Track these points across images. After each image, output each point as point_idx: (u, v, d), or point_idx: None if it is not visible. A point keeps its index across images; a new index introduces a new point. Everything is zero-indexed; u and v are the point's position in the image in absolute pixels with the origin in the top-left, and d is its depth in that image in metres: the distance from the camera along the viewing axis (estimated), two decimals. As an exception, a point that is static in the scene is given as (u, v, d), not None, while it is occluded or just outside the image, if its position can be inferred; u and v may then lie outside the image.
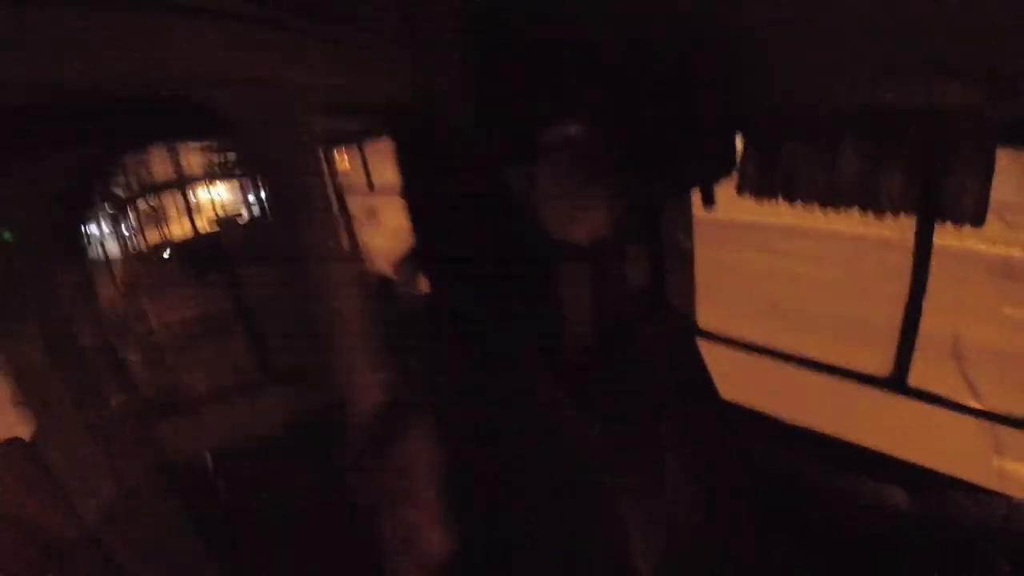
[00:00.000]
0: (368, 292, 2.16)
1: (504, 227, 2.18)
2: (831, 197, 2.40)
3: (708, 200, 2.62)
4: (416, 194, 2.28)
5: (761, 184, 2.53)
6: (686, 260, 3.02)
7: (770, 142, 2.46)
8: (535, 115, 2.27)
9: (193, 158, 7.01)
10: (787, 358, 2.90)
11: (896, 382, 2.65)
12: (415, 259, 2.35)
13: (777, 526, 2.54)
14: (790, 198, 2.48)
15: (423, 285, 2.42)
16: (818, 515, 2.59)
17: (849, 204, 2.39)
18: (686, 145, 2.33)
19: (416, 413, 1.92)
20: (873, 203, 2.35)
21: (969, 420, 2.64)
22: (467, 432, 1.96)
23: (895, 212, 2.34)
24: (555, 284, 2.40)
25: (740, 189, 2.58)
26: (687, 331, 2.83)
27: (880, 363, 2.60)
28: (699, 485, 2.54)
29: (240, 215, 7.54)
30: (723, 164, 2.46)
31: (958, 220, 2.26)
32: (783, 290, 8.62)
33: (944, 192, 2.23)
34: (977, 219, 2.23)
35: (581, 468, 1.97)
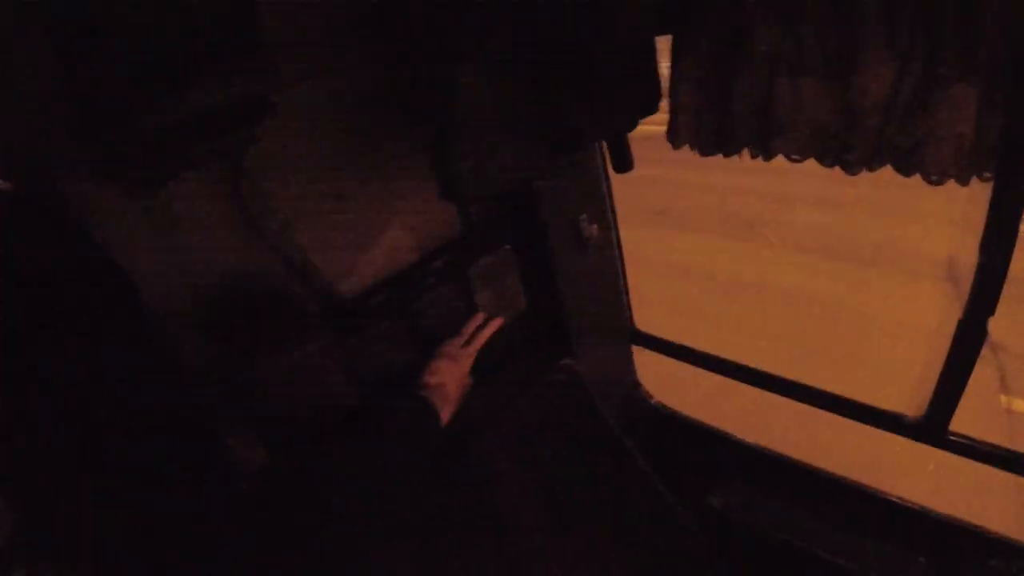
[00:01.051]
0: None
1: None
2: (841, 145, 1.15)
3: (621, 160, 1.37)
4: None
5: (712, 127, 1.27)
6: (602, 254, 1.78)
7: (721, 44, 1.19)
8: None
9: None
10: (762, 380, 1.73)
11: (931, 430, 1.59)
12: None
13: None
14: (765, 148, 1.22)
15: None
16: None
17: (873, 159, 1.15)
18: (552, 68, 1.07)
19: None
20: (916, 159, 1.11)
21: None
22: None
23: (960, 175, 1.11)
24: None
25: (674, 137, 1.32)
26: (577, 384, 1.63)
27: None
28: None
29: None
30: (635, 97, 1.19)
31: None
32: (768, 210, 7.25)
33: None
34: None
35: None
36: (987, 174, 1.17)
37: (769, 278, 5.64)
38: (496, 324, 1.55)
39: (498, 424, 1.45)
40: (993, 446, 1.56)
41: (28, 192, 0.96)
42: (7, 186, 0.95)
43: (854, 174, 1.16)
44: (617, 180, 1.58)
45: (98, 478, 0.92)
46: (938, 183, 1.15)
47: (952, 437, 1.58)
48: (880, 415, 1.63)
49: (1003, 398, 4.31)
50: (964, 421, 3.49)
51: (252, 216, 1.28)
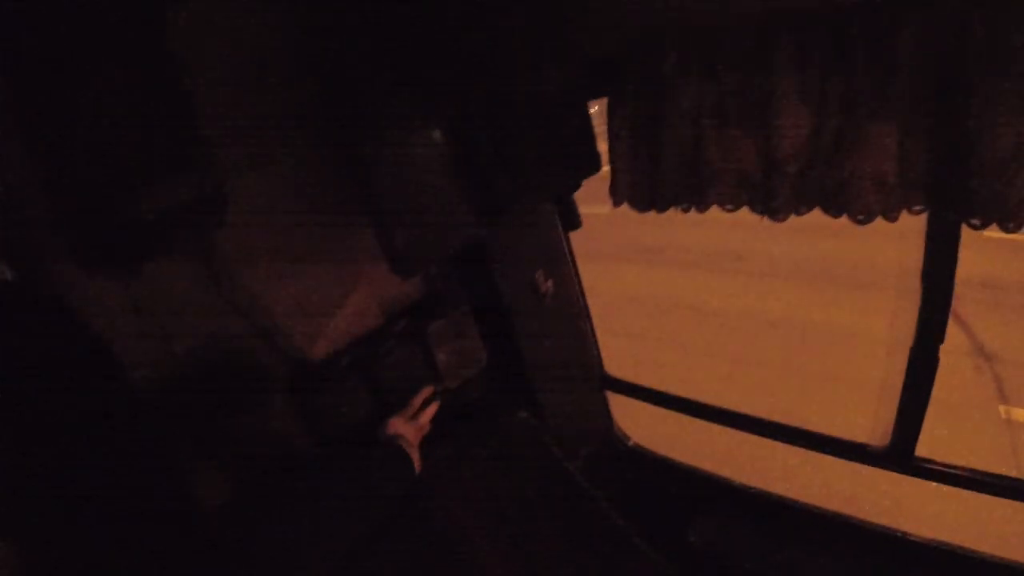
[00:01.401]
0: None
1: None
2: (766, 193, 1.14)
3: (568, 219, 1.35)
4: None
5: (646, 183, 1.25)
6: (562, 307, 1.75)
7: (649, 102, 1.18)
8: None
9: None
10: (731, 419, 1.68)
11: (897, 457, 1.52)
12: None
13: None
14: (697, 201, 1.21)
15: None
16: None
17: (798, 204, 1.13)
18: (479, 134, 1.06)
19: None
20: (841, 201, 1.10)
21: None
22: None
23: (886, 212, 1.09)
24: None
25: (615, 194, 1.31)
26: (535, 434, 1.58)
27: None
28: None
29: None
30: (571, 159, 1.18)
31: (1004, 220, 1.05)
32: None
33: (974, 169, 1.03)
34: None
35: None
36: (916, 207, 1.15)
37: (757, 309, 5.55)
38: (434, 408, 1.48)
39: (457, 479, 1.41)
40: (960, 468, 1.49)
41: (25, 278, 1.03)
42: (10, 273, 1.03)
43: (781, 220, 1.14)
44: (607, 219, 1.53)
45: (77, 516, 0.92)
46: (865, 223, 1.13)
47: (918, 463, 1.51)
48: (846, 446, 1.57)
49: (1002, 408, 4.12)
50: (964, 433, 3.37)
51: (224, 289, 1.29)
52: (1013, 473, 3.49)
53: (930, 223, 1.20)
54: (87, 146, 1.01)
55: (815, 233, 6.53)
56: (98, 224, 1.05)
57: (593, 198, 1.65)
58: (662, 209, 1.26)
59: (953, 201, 1.10)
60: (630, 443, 1.98)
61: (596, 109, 1.37)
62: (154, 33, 1.05)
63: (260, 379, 1.37)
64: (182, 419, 1.22)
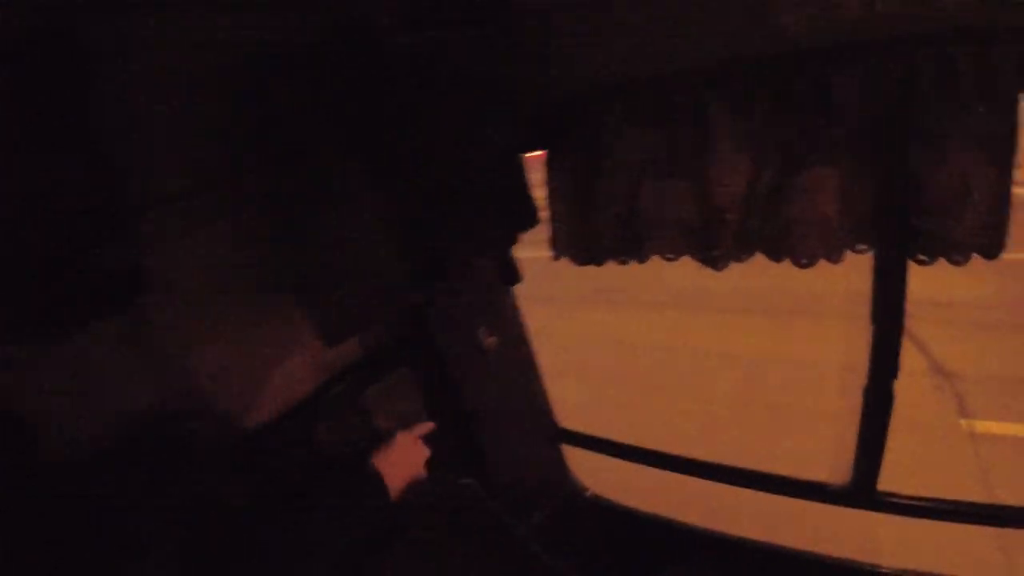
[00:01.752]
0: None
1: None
2: (706, 242, 1.06)
3: (507, 274, 1.27)
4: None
5: (586, 236, 1.17)
6: (508, 362, 1.65)
7: (588, 156, 1.11)
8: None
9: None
10: (687, 467, 1.59)
11: (860, 495, 1.45)
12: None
13: None
14: (637, 252, 1.13)
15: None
16: None
17: (740, 251, 1.06)
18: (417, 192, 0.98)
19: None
20: (784, 246, 1.03)
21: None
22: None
23: (829, 255, 1.02)
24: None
25: (554, 247, 1.23)
26: (479, 500, 1.47)
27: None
28: None
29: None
30: (506, 216, 1.10)
31: (951, 254, 1.03)
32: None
33: (919, 209, 1.01)
34: (990, 247, 1.00)
35: None
36: (860, 247, 1.10)
37: (719, 345, 5.42)
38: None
39: (396, 561, 1.29)
40: (924, 499, 1.43)
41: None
42: None
43: (720, 269, 1.08)
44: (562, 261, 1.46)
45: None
46: (808, 266, 1.08)
47: (881, 498, 1.45)
48: (807, 487, 1.50)
49: (963, 423, 4.09)
50: (929, 451, 3.32)
51: (153, 359, 1.20)
52: (980, 485, 3.47)
53: (876, 261, 1.15)
54: (12, 215, 0.92)
55: (765, 265, 6.42)
56: (23, 293, 0.95)
57: (543, 240, 1.57)
58: (601, 262, 1.19)
59: (899, 240, 1.06)
60: (588, 495, 1.87)
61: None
62: (79, 99, 0.98)
63: (189, 449, 1.26)
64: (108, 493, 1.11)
